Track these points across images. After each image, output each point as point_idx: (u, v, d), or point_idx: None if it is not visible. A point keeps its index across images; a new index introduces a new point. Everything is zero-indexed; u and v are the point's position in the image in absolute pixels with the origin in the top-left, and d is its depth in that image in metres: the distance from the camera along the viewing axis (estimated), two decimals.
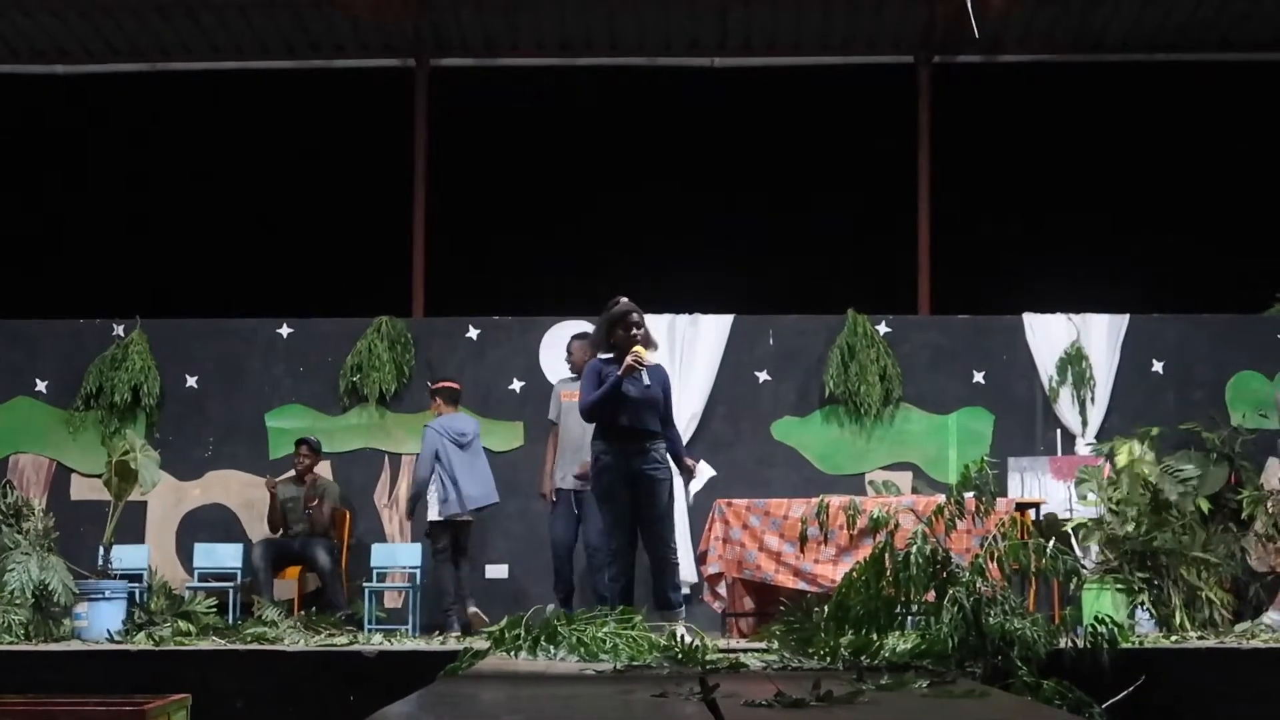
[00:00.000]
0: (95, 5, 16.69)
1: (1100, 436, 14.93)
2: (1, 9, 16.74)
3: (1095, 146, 17.65)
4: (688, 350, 15.34)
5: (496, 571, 14.93)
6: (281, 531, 14.49)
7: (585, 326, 14.64)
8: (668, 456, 11.32)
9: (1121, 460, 13.17)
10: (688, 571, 14.36)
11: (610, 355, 11.27)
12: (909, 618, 9.61)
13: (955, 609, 9.22)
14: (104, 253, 17.71)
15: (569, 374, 13.83)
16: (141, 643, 11.36)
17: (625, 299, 11.37)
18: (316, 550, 14.24)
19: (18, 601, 11.61)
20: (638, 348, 11.12)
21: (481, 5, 16.86)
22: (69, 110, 17.96)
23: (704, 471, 12.43)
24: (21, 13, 16.82)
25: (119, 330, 15.57)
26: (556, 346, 14.86)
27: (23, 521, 12.45)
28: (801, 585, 12.16)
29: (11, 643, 11.23)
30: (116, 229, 17.87)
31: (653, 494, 11.20)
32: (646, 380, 11.08)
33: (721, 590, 12.64)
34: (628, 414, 11.08)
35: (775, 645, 9.44)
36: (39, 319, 15.90)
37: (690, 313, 15.51)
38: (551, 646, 9.09)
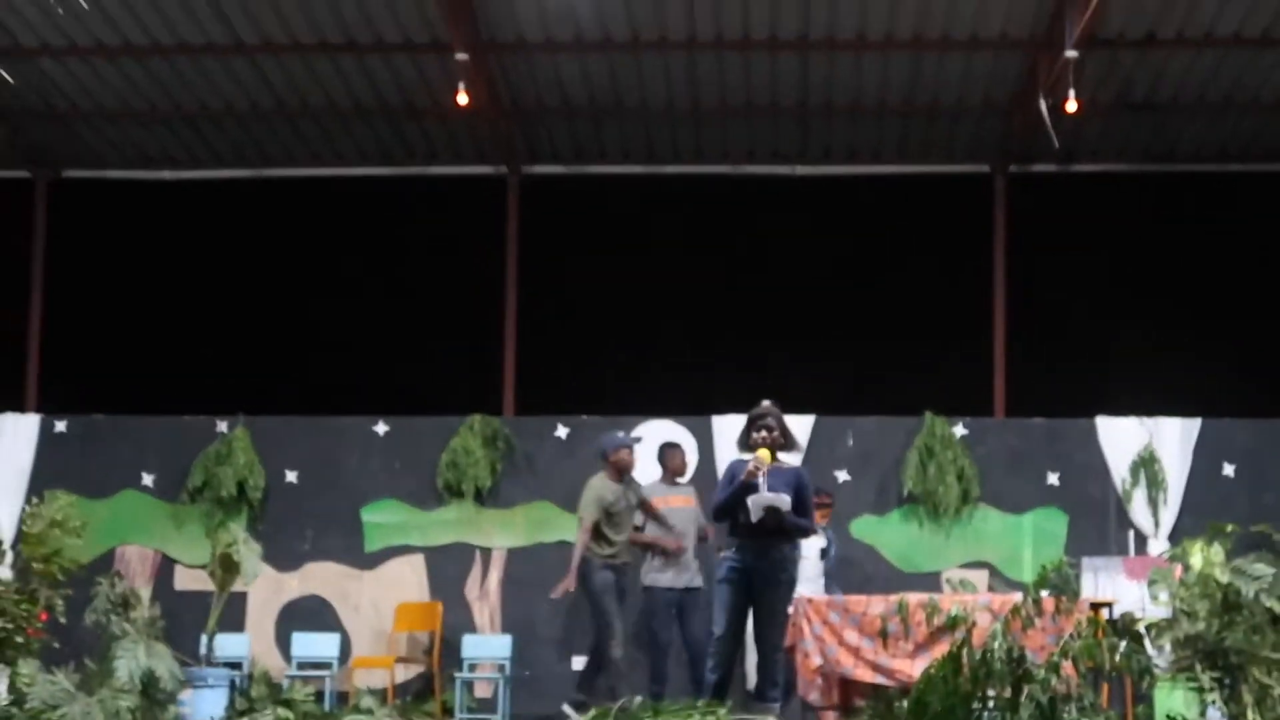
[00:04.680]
0: (203, 116, 17.12)
1: (1172, 538, 14.91)
2: (117, 121, 17.22)
3: (1167, 253, 17.61)
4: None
5: (583, 663, 15.05)
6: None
7: (672, 427, 14.89)
8: (790, 560, 11.55)
9: (1195, 564, 13.16)
10: None
11: (746, 458, 11.52)
12: (985, 713, 9.64)
13: (1033, 705, 9.26)
14: (208, 351, 17.95)
15: (659, 479, 14.04)
16: None
17: (768, 402, 11.60)
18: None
19: (126, 689, 11.69)
20: (761, 452, 11.34)
21: (571, 116, 17.17)
22: (176, 214, 18.30)
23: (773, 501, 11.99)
24: (136, 124, 17.30)
25: (222, 427, 15.83)
26: (642, 445, 15.04)
27: (130, 611, 12.57)
28: (880, 680, 12.16)
29: None
30: (220, 327, 18.12)
31: (772, 596, 11.48)
32: (764, 485, 11.27)
33: (818, 684, 12.66)
34: (749, 515, 11.31)
35: None
36: (146, 415, 16.17)
37: None
38: None
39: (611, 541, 13.19)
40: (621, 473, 13.37)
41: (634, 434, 13.99)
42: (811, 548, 14.04)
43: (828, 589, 14.00)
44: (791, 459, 11.82)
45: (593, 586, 13.14)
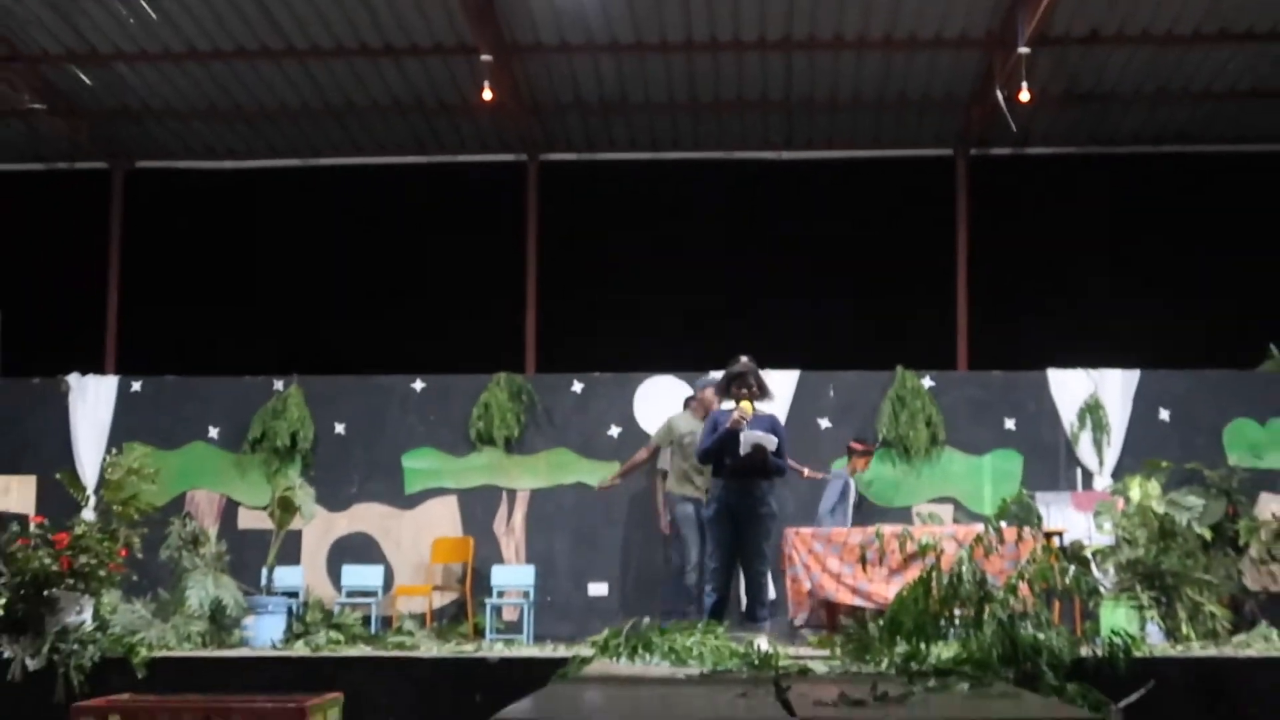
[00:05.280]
0: (259, 113, 17.09)
1: (1115, 475, 14.89)
2: (183, 117, 17.21)
3: (1110, 225, 17.65)
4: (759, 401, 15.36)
5: (598, 590, 15.04)
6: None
7: (674, 382, 14.88)
8: (770, 497, 11.53)
9: (1135, 497, 13.15)
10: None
11: (729, 408, 11.50)
12: (952, 630, 9.64)
13: (994, 622, 9.25)
14: (265, 319, 17.99)
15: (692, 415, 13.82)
16: (300, 650, 11.36)
17: (745, 359, 11.59)
18: None
19: (196, 615, 11.69)
20: (744, 404, 11.33)
21: (584, 109, 17.14)
22: (237, 199, 18.29)
23: (761, 439, 11.90)
24: (201, 120, 17.29)
25: (279, 385, 15.77)
26: (650, 399, 15.01)
27: (199, 547, 12.56)
28: (859, 602, 12.18)
29: (191, 650, 11.35)
30: (276, 298, 18.14)
31: (754, 529, 11.46)
32: (750, 431, 11.23)
33: (806, 606, 12.66)
34: (734, 459, 11.28)
35: (837, 653, 9.51)
36: (211, 375, 16.15)
37: (761, 368, 15.55)
38: (647, 654, 9.16)
39: (690, 478, 13.23)
40: (706, 411, 13.19)
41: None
42: (853, 492, 14.28)
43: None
44: (765, 407, 11.78)
45: (673, 518, 13.42)
